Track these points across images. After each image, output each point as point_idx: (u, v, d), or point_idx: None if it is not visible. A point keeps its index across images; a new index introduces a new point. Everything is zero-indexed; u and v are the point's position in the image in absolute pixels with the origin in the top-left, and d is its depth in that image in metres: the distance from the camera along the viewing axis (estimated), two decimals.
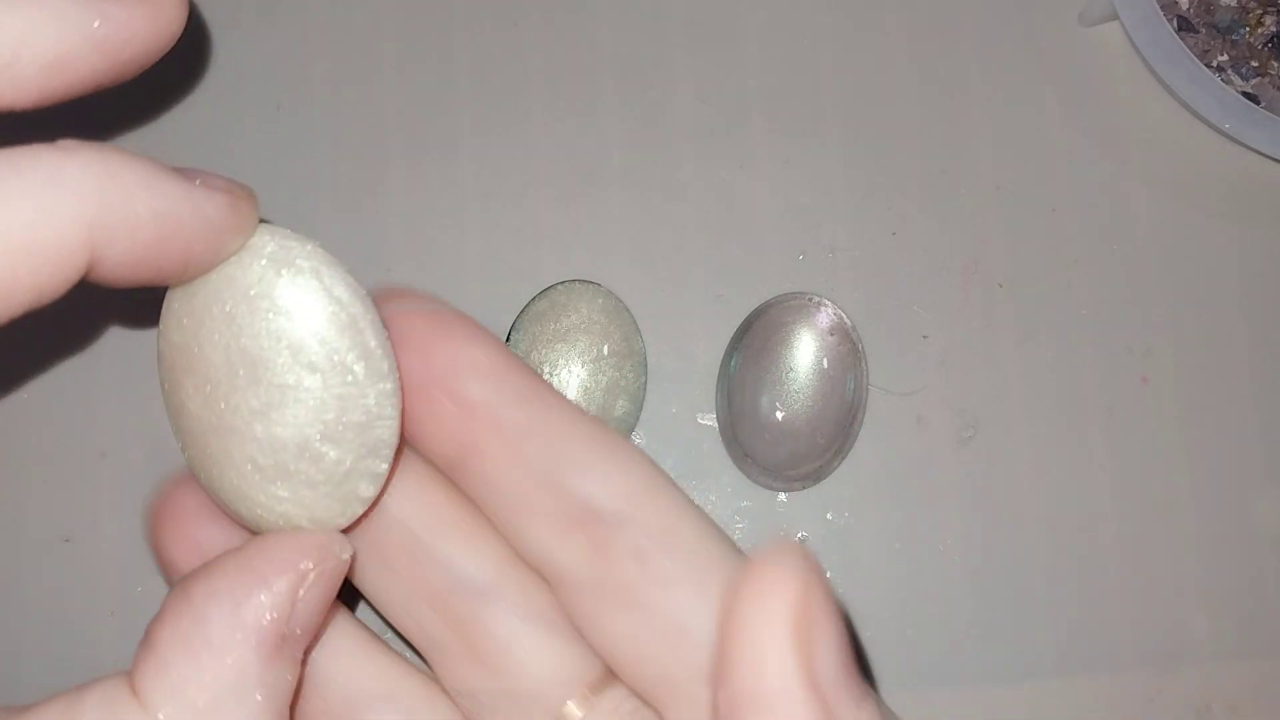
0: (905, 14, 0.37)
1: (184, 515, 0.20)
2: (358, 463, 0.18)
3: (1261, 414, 0.35)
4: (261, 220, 0.19)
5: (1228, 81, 0.35)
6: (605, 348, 0.35)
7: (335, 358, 0.18)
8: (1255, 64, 0.35)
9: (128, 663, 0.34)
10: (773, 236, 0.36)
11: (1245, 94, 0.34)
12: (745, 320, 0.34)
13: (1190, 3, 0.36)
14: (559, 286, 0.35)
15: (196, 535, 0.20)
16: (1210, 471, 0.34)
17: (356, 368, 0.18)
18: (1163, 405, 0.35)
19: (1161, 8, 0.34)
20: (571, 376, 0.35)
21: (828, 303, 0.34)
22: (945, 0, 0.37)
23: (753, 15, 0.37)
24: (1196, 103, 0.34)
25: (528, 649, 0.19)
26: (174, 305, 0.19)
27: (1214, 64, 0.35)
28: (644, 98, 0.37)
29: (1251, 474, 0.34)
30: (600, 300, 0.35)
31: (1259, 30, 0.35)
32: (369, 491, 0.18)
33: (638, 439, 0.35)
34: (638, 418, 0.35)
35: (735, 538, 0.34)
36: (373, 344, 0.18)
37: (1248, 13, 0.35)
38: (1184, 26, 0.35)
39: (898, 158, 0.36)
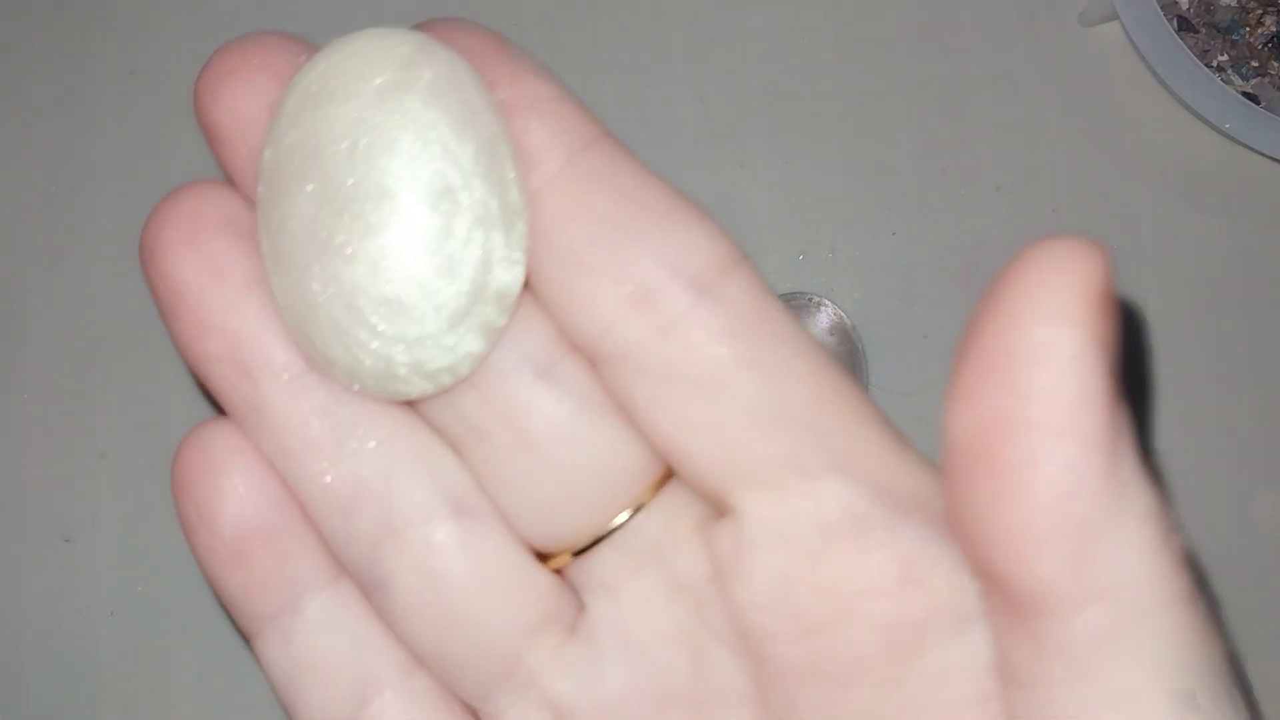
0: (905, 14, 0.37)
1: (199, 225, 0.16)
2: (473, 309, 0.16)
3: (1262, 414, 0.35)
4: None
5: (1228, 81, 0.35)
6: None
7: (469, 187, 0.15)
8: (1255, 64, 0.35)
9: (127, 663, 0.35)
10: (773, 236, 0.35)
11: (1245, 94, 0.34)
12: None
13: (1190, 3, 0.36)
14: None
15: (212, 247, 0.16)
16: (1210, 472, 0.34)
17: (490, 201, 0.15)
18: (1163, 405, 0.35)
19: (1161, 8, 0.34)
20: None
21: (828, 303, 0.34)
22: (945, 0, 0.37)
23: (752, 15, 0.37)
24: (1196, 103, 0.34)
25: (584, 438, 0.17)
26: (291, 102, 0.16)
27: (1214, 64, 0.35)
28: (644, 98, 0.36)
29: (1251, 474, 0.34)
30: None
31: (1259, 30, 0.35)
32: (479, 347, 0.16)
33: None
34: None
35: None
36: (510, 175, 0.16)
37: (1248, 13, 0.35)
38: (1184, 26, 0.35)
39: (898, 158, 0.36)
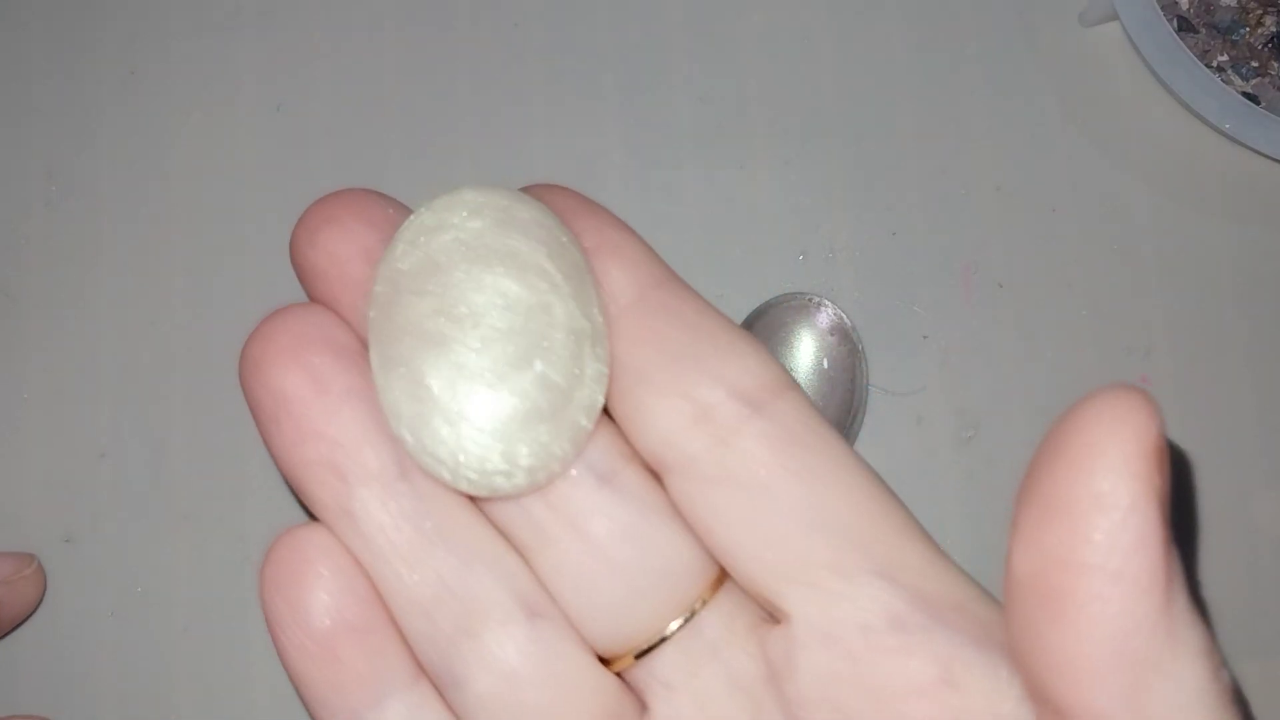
0: (905, 14, 0.37)
1: (304, 341, 0.18)
2: (564, 413, 0.17)
3: (1262, 414, 0.35)
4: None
5: (1228, 82, 0.35)
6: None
7: (565, 306, 0.17)
8: (1255, 64, 0.35)
9: (126, 664, 0.35)
10: (773, 236, 0.35)
11: (1245, 94, 0.34)
12: (745, 320, 0.34)
13: (1190, 3, 0.36)
14: None
15: (315, 360, 0.17)
16: (1210, 472, 0.34)
17: (581, 321, 0.18)
18: (1163, 405, 0.35)
19: (1162, 8, 0.34)
20: None
21: (828, 303, 0.34)
22: (945, 0, 0.37)
23: (753, 15, 0.37)
24: (1196, 103, 0.34)
25: (645, 542, 0.18)
26: (406, 236, 0.18)
27: (1214, 64, 0.35)
28: (644, 98, 0.36)
29: (1251, 474, 0.34)
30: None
31: (1259, 30, 0.35)
32: (568, 448, 0.18)
33: None
34: None
35: None
36: (594, 301, 0.18)
37: (1248, 13, 0.35)
38: (1184, 27, 0.35)
39: (898, 158, 0.36)
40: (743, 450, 0.17)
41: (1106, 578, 0.15)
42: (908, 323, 0.35)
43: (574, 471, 0.18)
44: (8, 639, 0.34)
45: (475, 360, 0.17)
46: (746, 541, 0.17)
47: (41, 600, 0.34)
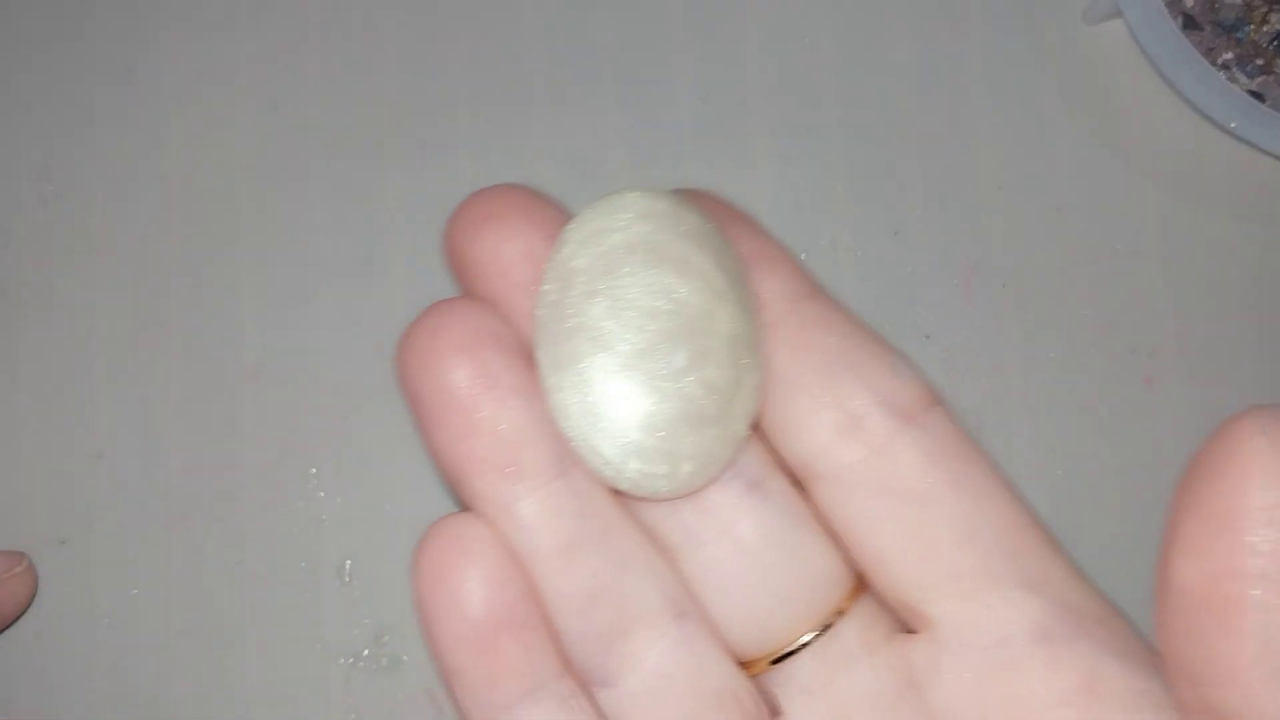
0: (907, 12, 0.37)
1: (473, 337, 0.18)
2: (725, 419, 0.18)
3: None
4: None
5: (1233, 79, 0.35)
6: None
7: (728, 312, 0.18)
8: (1260, 62, 0.35)
9: (121, 666, 0.34)
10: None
11: (1250, 92, 0.34)
12: None
13: (1195, 1, 0.35)
14: None
15: (484, 356, 0.17)
16: None
17: (743, 327, 0.18)
18: (1167, 406, 0.35)
19: (1166, 5, 0.34)
20: None
21: None
22: None
23: (753, 14, 0.37)
24: (1201, 101, 0.33)
25: (790, 549, 0.18)
26: (576, 236, 0.18)
27: (1219, 62, 0.35)
28: (644, 98, 0.36)
29: None
30: None
31: (1264, 28, 0.35)
32: (726, 454, 0.18)
33: None
34: None
35: None
36: (752, 309, 0.18)
37: (1253, 10, 0.35)
38: (1189, 24, 0.35)
39: (900, 157, 0.36)
40: (897, 461, 0.18)
41: (1275, 588, 0.15)
42: (910, 323, 0.35)
43: (724, 477, 0.18)
44: (1, 640, 0.34)
45: (644, 363, 0.18)
46: (897, 550, 0.18)
47: (33, 599, 0.34)
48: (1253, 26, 0.35)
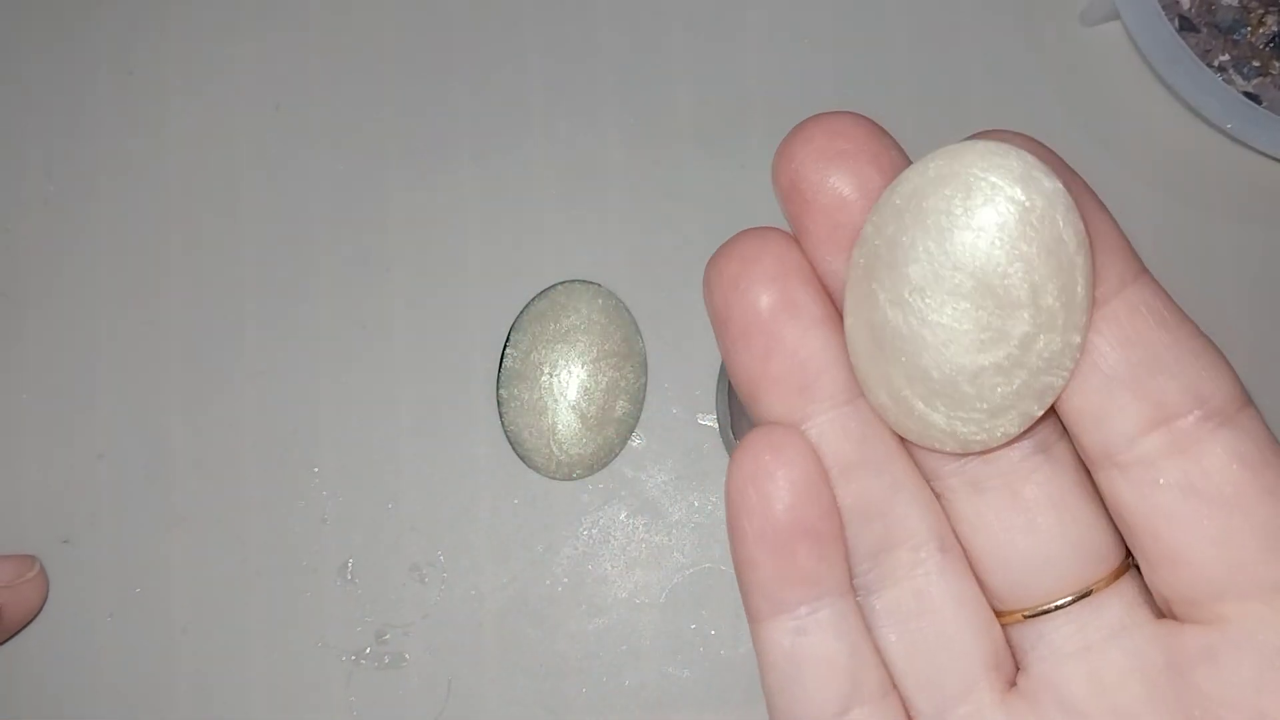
0: (906, 13, 0.37)
1: (783, 268, 0.19)
2: (1018, 402, 0.18)
3: (1265, 415, 0.35)
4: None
5: (1229, 81, 0.35)
6: (605, 347, 0.34)
7: (1039, 297, 0.17)
8: (1257, 64, 0.35)
9: (125, 666, 0.34)
10: None
11: (1247, 94, 0.34)
12: None
13: (1192, 2, 0.36)
14: (559, 287, 0.35)
15: (791, 285, 0.19)
16: None
17: (1058, 315, 0.17)
18: None
19: (1163, 7, 0.34)
20: (571, 376, 0.35)
21: None
22: (946, 0, 0.37)
23: (753, 15, 0.37)
24: (1198, 103, 0.33)
25: (1067, 514, 0.19)
26: (909, 184, 0.18)
27: (1216, 64, 0.35)
28: (644, 98, 0.36)
29: None
30: (600, 300, 0.35)
31: (1260, 30, 0.35)
32: (1014, 430, 0.18)
33: (637, 439, 0.35)
34: (638, 418, 0.35)
35: None
36: (1080, 292, 0.18)
37: (1249, 12, 0.35)
38: (1185, 26, 0.35)
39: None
40: (1210, 462, 0.18)
41: None
42: None
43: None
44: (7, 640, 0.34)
45: (951, 323, 0.18)
46: (1196, 550, 0.18)
47: (44, 603, 0.34)
48: (1249, 28, 0.35)
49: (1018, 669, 0.19)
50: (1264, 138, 0.33)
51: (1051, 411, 0.19)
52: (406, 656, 0.34)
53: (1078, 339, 0.18)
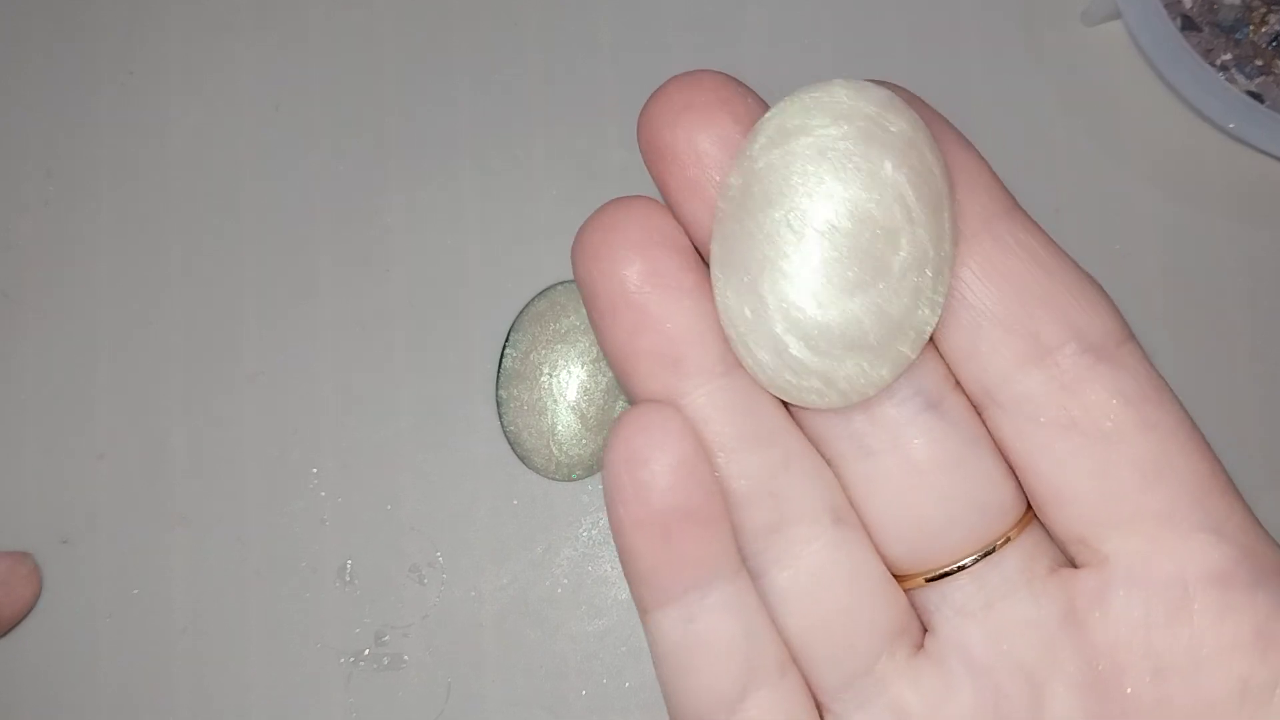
0: (906, 12, 0.37)
1: (648, 236, 0.18)
2: (892, 342, 0.17)
3: (1264, 416, 0.35)
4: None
5: (1231, 80, 0.35)
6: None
7: (914, 232, 0.17)
8: (1259, 63, 0.35)
9: (123, 666, 0.34)
10: None
11: (1249, 93, 0.34)
12: None
13: (1194, 1, 0.35)
14: (559, 287, 0.35)
15: (657, 254, 0.18)
16: None
17: (929, 248, 0.17)
18: None
19: (1165, 6, 0.34)
20: (571, 377, 0.35)
21: None
22: None
23: (752, 14, 0.37)
24: (1200, 102, 0.33)
25: (962, 470, 0.18)
26: (766, 133, 0.17)
27: (1218, 63, 0.35)
28: (644, 98, 0.36)
29: (1253, 475, 0.34)
30: None
31: (1263, 29, 0.35)
32: (888, 375, 0.17)
33: None
34: None
35: None
36: (947, 228, 0.17)
37: (1251, 11, 0.35)
38: (1187, 25, 0.35)
39: None
40: (1088, 397, 0.17)
41: None
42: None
43: (903, 393, 0.18)
44: (4, 640, 0.34)
45: (811, 277, 0.17)
46: (1077, 486, 0.17)
47: (38, 599, 0.34)
48: (1251, 27, 0.35)
49: (926, 631, 0.19)
50: (1266, 137, 0.33)
51: (942, 362, 0.18)
52: (406, 658, 0.34)
53: (947, 272, 0.17)
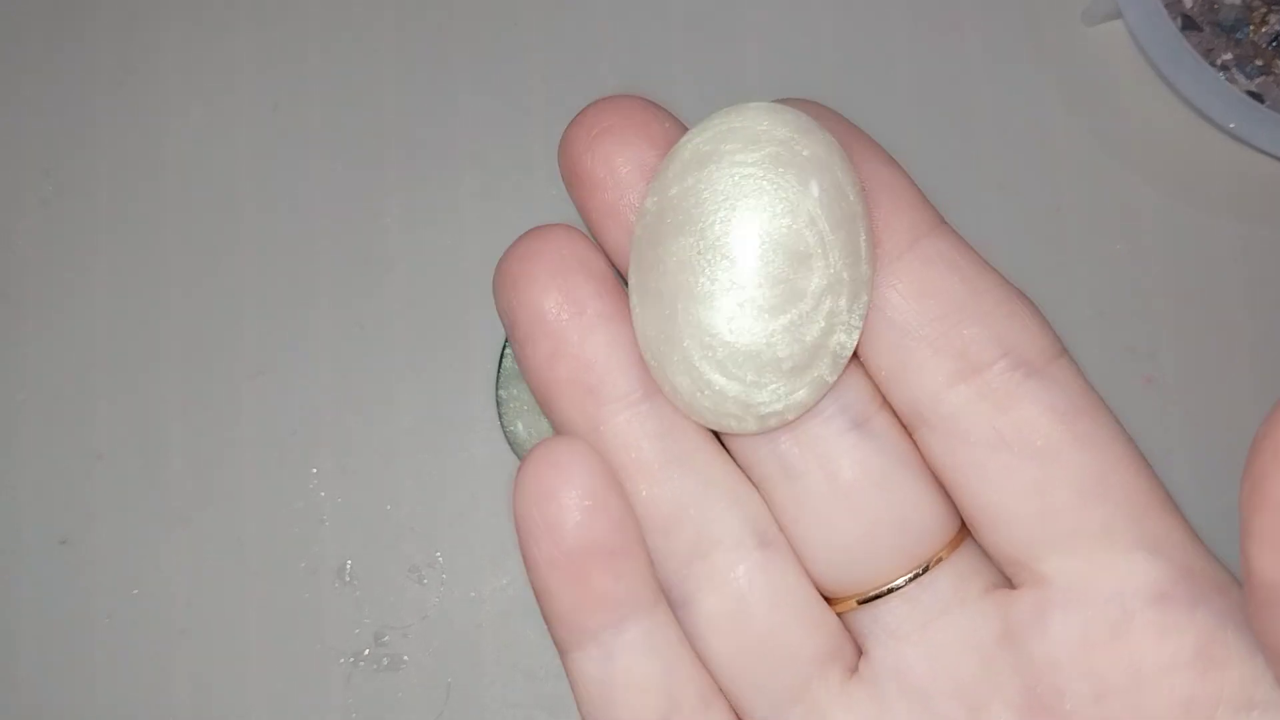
0: (907, 12, 0.37)
1: (563, 264, 0.18)
2: (809, 366, 0.17)
3: (1264, 414, 0.35)
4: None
5: (1232, 80, 0.35)
6: None
7: (827, 256, 0.17)
8: (1260, 62, 0.35)
9: (124, 667, 0.34)
10: None
11: (1250, 93, 0.34)
12: None
13: (1194, 1, 0.35)
14: None
15: (573, 282, 0.18)
16: (1213, 473, 0.34)
17: (844, 272, 0.17)
18: (1166, 406, 0.35)
19: (1165, 6, 0.34)
20: None
21: None
22: None
23: (753, 14, 0.37)
24: (1200, 102, 0.33)
25: (890, 490, 0.18)
26: (681, 158, 0.17)
27: (1218, 63, 0.35)
28: (647, 97, 0.36)
29: None
30: None
31: (1263, 29, 0.35)
32: (808, 398, 0.17)
33: None
34: None
35: None
36: (863, 250, 0.17)
37: (1252, 11, 0.35)
38: (1188, 25, 0.35)
39: (899, 157, 0.36)
40: (1018, 415, 0.17)
41: None
42: None
43: (828, 411, 0.18)
44: (3, 640, 0.34)
45: (724, 303, 0.17)
46: (1012, 505, 0.17)
47: None
48: (1252, 27, 0.35)
49: (861, 653, 0.19)
50: (1266, 137, 0.33)
51: (869, 382, 0.18)
52: (405, 658, 0.34)
53: (865, 294, 0.17)
